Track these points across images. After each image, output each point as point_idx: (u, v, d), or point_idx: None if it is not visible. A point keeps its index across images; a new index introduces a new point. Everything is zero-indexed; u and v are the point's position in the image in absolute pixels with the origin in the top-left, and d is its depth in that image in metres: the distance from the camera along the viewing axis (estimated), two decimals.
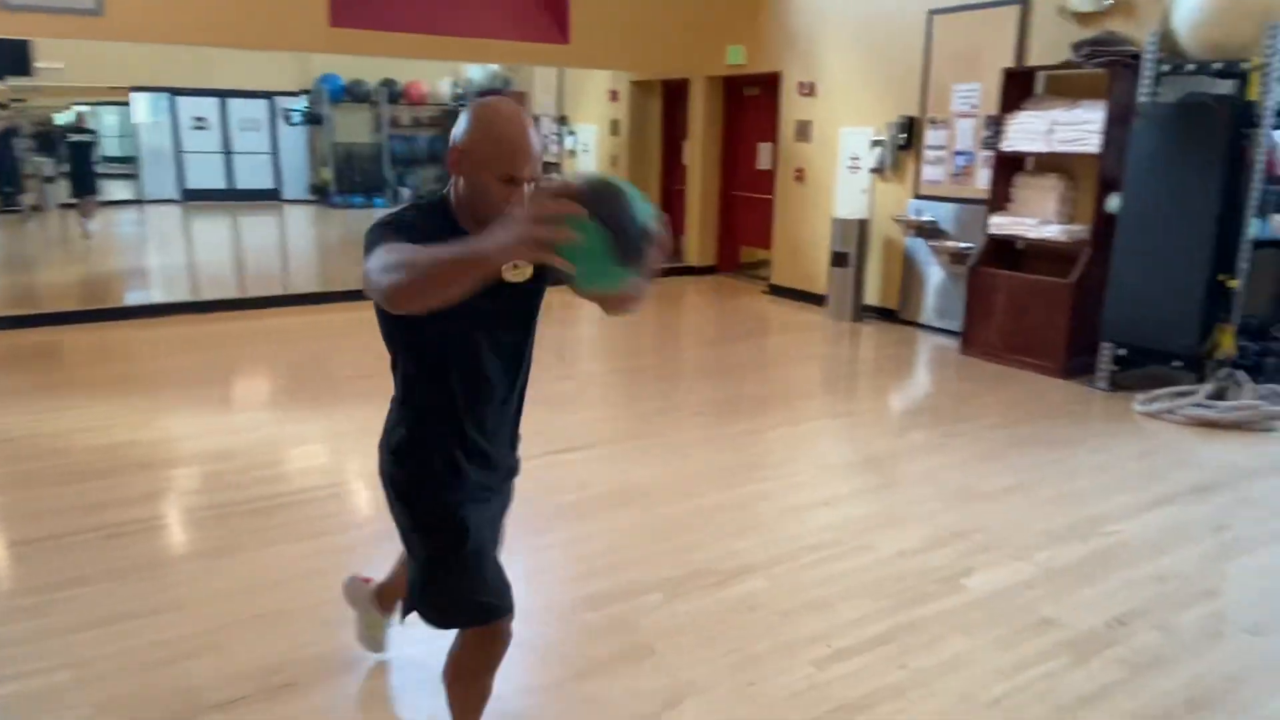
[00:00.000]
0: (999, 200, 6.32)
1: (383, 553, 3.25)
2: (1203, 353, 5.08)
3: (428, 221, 1.65)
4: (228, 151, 16.58)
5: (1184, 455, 4.49)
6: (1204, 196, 4.94)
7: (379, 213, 11.12)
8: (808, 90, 8.06)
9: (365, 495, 3.80)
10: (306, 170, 17.25)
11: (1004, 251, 6.39)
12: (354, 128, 17.22)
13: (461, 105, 14.40)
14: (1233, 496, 3.97)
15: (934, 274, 7.16)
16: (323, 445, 4.42)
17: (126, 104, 15.95)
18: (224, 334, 6.85)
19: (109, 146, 16.66)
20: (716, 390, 5.51)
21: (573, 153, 11.45)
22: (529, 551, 3.31)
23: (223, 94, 16.17)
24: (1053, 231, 5.93)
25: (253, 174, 16.84)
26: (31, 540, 3.33)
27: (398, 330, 1.75)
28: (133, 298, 8.25)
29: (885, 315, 7.57)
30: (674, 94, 9.95)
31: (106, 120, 16.76)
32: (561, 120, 11.62)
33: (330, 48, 7.42)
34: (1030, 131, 6.01)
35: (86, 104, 14.76)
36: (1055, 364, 5.84)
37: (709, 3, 8.78)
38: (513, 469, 2.00)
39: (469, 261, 1.35)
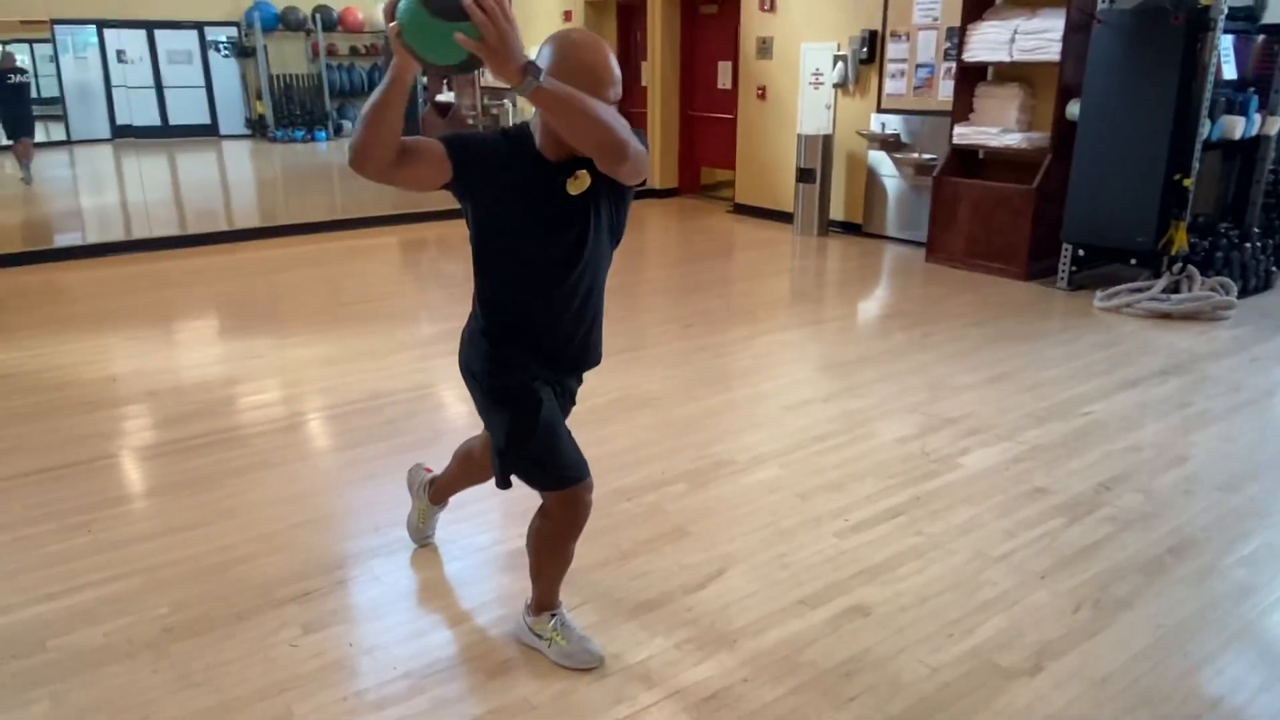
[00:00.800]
0: (962, 111, 6.51)
1: (400, 462, 3.40)
2: (1158, 249, 5.39)
3: (508, 145, 1.84)
4: (159, 86, 15.94)
5: (1144, 344, 4.81)
6: (1160, 100, 5.19)
7: (321, 147, 11.16)
8: (768, 6, 8.09)
9: (368, 415, 3.91)
10: (242, 104, 16.70)
11: (967, 161, 6.61)
12: (289, 58, 16.68)
13: None
14: (1192, 377, 4.30)
15: (897, 186, 7.36)
16: (315, 370, 4.49)
17: (46, 39, 15.18)
18: (186, 270, 6.78)
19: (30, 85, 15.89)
20: (699, 304, 5.68)
21: None
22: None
23: (150, 25, 15.49)
24: (1014, 139, 6.15)
25: (187, 109, 16.26)
26: (61, 466, 3.39)
27: (471, 229, 1.91)
28: (82, 237, 8.04)
29: (850, 229, 7.79)
30: (630, 13, 9.88)
31: (23, 58, 15.95)
32: None
33: None
34: (992, 41, 6.18)
35: (1, 41, 14.02)
36: (1019, 267, 6.13)
37: None
38: (580, 366, 2.13)
39: (384, 88, 1.62)
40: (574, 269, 1.92)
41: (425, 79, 13.03)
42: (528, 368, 1.99)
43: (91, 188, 11.21)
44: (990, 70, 6.48)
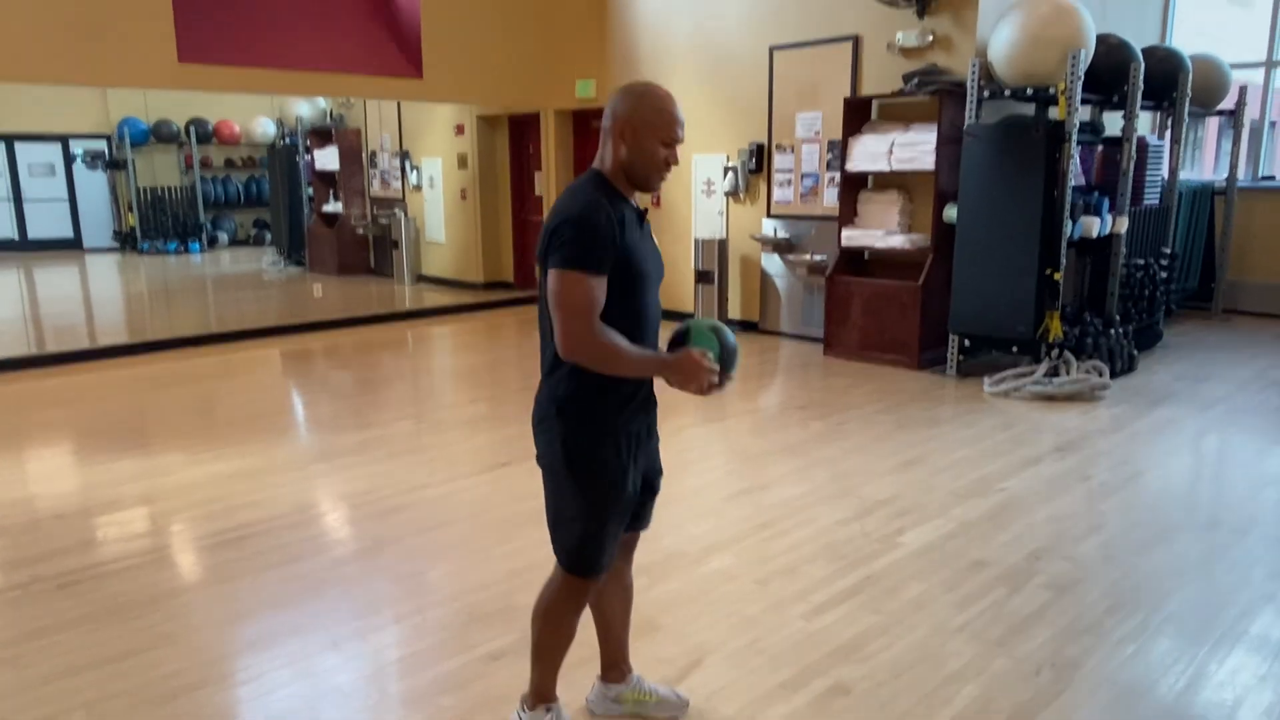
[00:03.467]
0: (847, 215, 6.98)
1: (337, 576, 3.30)
2: (1036, 338, 5.86)
3: (608, 204, 1.95)
4: (18, 199, 15.20)
5: (1036, 424, 5.18)
6: (1028, 203, 5.74)
7: (195, 259, 10.74)
8: None
9: (297, 529, 3.76)
10: (110, 217, 16.08)
11: (855, 261, 7.06)
12: (161, 170, 16.27)
13: (287, 143, 13.94)
14: (1086, 453, 4.65)
15: (790, 286, 7.76)
16: (232, 484, 4.30)
17: None
18: (45, 391, 6.40)
19: None
20: None
21: (418, 187, 11.42)
22: (505, 557, 3.43)
23: (10, 138, 14.86)
24: (898, 241, 6.63)
25: (48, 222, 15.51)
26: None
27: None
28: None
29: (748, 327, 8.11)
30: (521, 127, 10.20)
31: None
32: (404, 155, 11.57)
33: (179, 84, 7.14)
34: (872, 153, 6.72)
35: None
36: (910, 358, 6.52)
37: (557, 39, 9.12)
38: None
39: (643, 370, 1.98)
40: (657, 292, 2.14)
41: (310, 189, 12.94)
42: (632, 432, 2.08)
43: None
44: (870, 178, 7.01)
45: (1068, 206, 5.77)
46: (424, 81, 8.46)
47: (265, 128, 16.12)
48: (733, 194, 8.06)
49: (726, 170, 8.04)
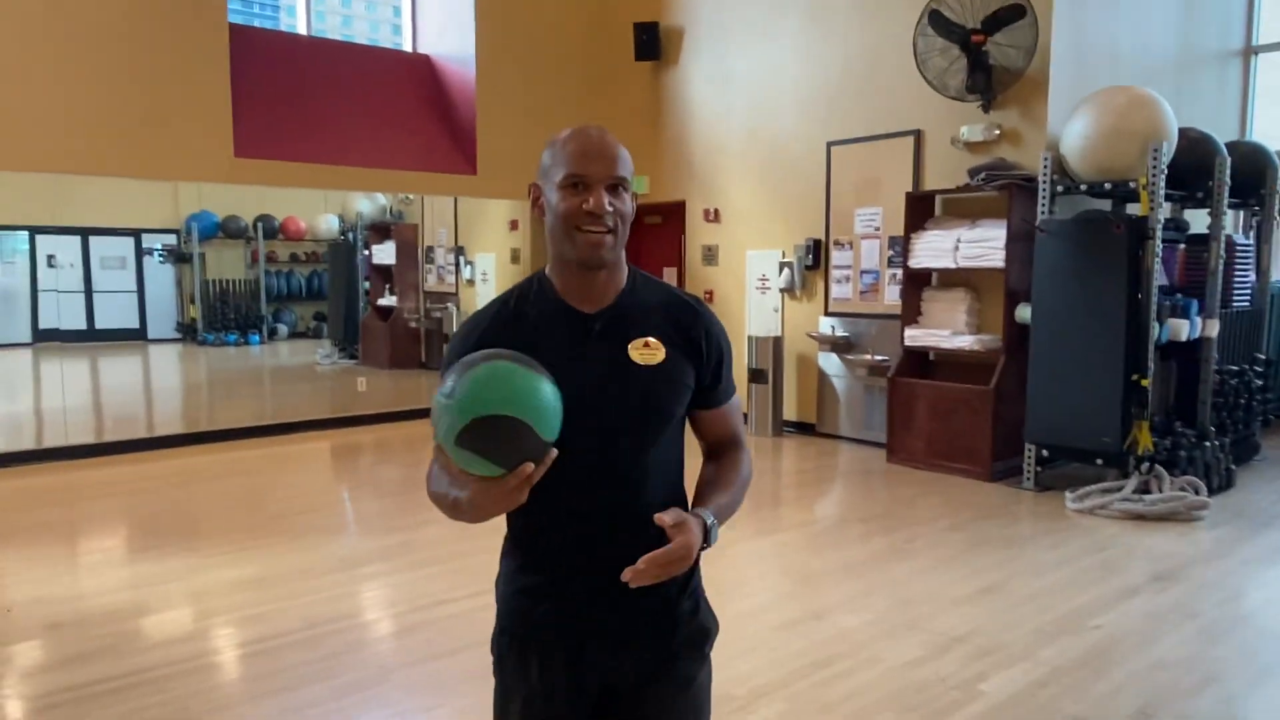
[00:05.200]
0: (910, 314, 6.61)
1: (347, 705, 2.95)
2: (1124, 449, 5.35)
3: (513, 302, 1.49)
4: (89, 290, 15.64)
5: (1129, 548, 4.64)
6: (1110, 304, 5.31)
7: (255, 350, 10.73)
8: (713, 217, 8.36)
9: (303, 648, 3.42)
10: (174, 308, 16.44)
11: (919, 362, 6.65)
12: (227, 264, 16.63)
13: (347, 238, 14.17)
14: (1189, 584, 4.09)
15: (849, 387, 7.36)
16: (240, 594, 3.99)
17: None
18: (99, 482, 6.24)
19: None
20: None
21: (471, 281, 11.39)
22: None
23: (85, 231, 15.38)
24: (966, 341, 6.22)
25: (115, 313, 15.87)
26: None
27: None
28: None
29: (804, 429, 7.69)
30: None
31: None
32: (459, 250, 11.60)
33: (235, 178, 7.20)
34: (936, 249, 6.38)
35: None
36: (982, 467, 6.02)
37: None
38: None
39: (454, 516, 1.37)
40: (601, 435, 1.74)
41: (367, 283, 13.05)
42: (546, 642, 1.61)
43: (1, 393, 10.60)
44: (935, 276, 6.66)
45: (1154, 308, 5.33)
46: (478, 178, 8.45)
47: (329, 223, 16.47)
48: (789, 290, 7.77)
49: (782, 266, 7.77)
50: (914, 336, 6.54)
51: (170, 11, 6.71)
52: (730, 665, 3.22)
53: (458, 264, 11.54)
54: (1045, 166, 5.72)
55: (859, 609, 3.77)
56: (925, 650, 3.37)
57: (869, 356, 7.06)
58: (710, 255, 8.49)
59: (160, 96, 6.68)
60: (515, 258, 10.47)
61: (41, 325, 15.17)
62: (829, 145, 7.35)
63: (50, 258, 15.23)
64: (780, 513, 5.56)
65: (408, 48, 9.15)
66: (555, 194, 1.41)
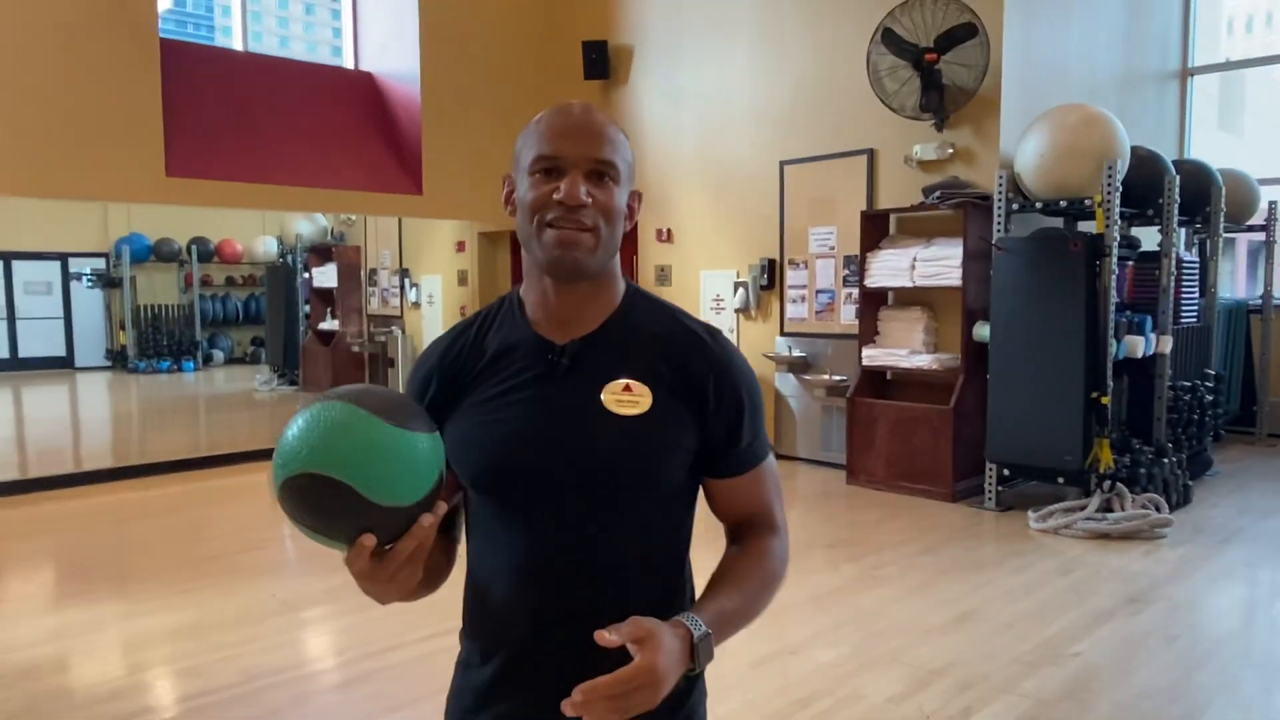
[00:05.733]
0: (868, 334, 6.55)
1: None
2: (1085, 467, 5.32)
3: (475, 328, 1.21)
4: (11, 317, 14.92)
5: (1096, 568, 4.58)
6: (1068, 321, 5.29)
7: (189, 377, 10.35)
8: (665, 237, 8.24)
9: (242, 705, 3.15)
10: (104, 334, 15.79)
11: (878, 382, 6.59)
12: (160, 288, 16.08)
13: (285, 261, 13.76)
14: (1163, 604, 4.04)
15: (806, 407, 7.27)
16: (172, 645, 3.70)
17: None
18: (21, 521, 5.84)
19: None
20: None
21: (417, 304, 11.10)
22: None
23: (7, 256, 14.71)
24: (924, 361, 6.17)
25: (40, 340, 15.21)
26: None
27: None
28: None
29: None
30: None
31: None
32: (404, 273, 11.31)
33: (166, 198, 6.86)
34: (892, 268, 6.33)
35: None
36: (944, 488, 5.95)
37: None
38: None
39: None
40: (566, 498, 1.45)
41: (308, 306, 12.66)
42: None
43: None
44: (891, 295, 6.61)
45: (1110, 325, 5.33)
46: (423, 198, 8.21)
47: (267, 246, 16.01)
48: (744, 311, 7.67)
49: (737, 286, 7.67)
50: (872, 356, 6.47)
51: (99, 24, 6.38)
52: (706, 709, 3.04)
53: (403, 286, 11.25)
54: (1000, 185, 5.71)
55: (834, 642, 3.63)
56: (906, 684, 3.23)
57: (826, 376, 6.98)
58: (664, 275, 8.36)
59: (87, 113, 6.34)
60: (463, 279, 10.22)
61: None
62: (782, 164, 7.29)
63: None
64: None
65: (350, 65, 8.90)
66: (525, 183, 1.12)
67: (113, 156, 6.46)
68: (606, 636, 0.95)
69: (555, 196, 1.08)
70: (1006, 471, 5.72)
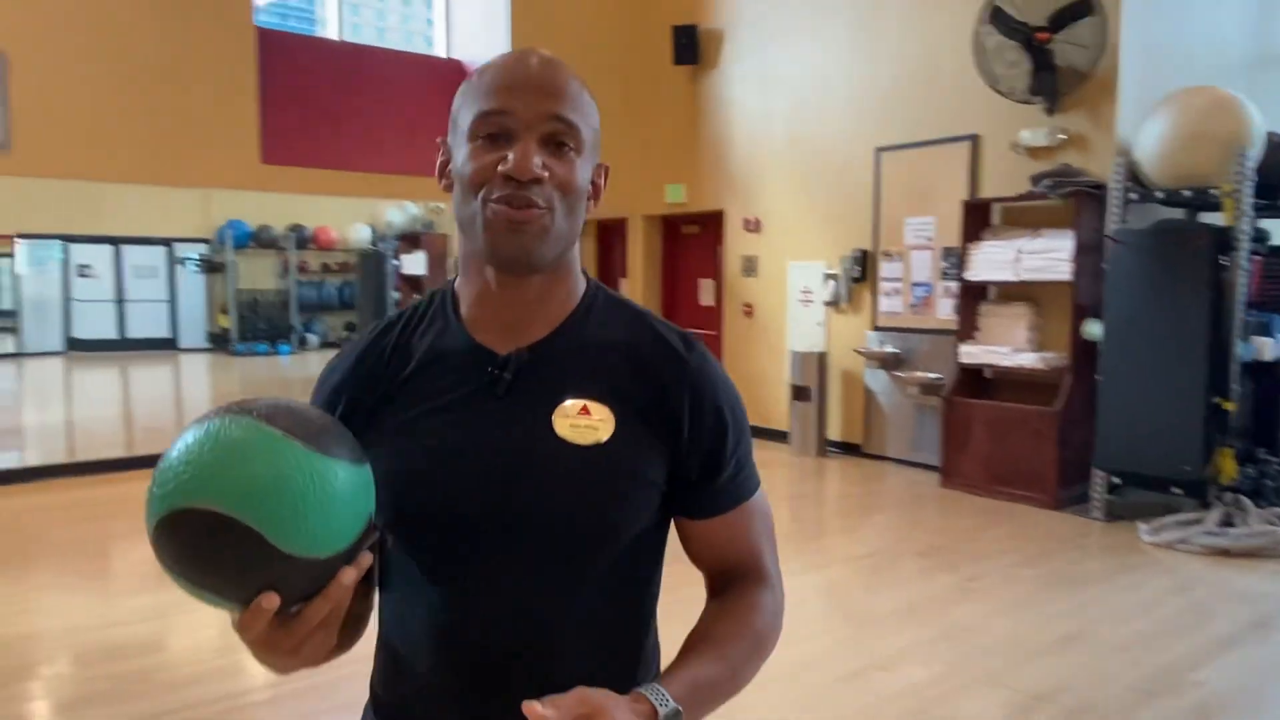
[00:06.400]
0: (967, 330, 6.24)
1: None
2: (1204, 477, 4.94)
3: (396, 338, 0.98)
4: (120, 300, 15.63)
5: (1218, 588, 4.23)
6: (1190, 320, 4.92)
7: (284, 360, 10.60)
8: (753, 226, 8.03)
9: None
10: (205, 317, 16.41)
11: (976, 381, 6.27)
12: (259, 274, 16.59)
13: (381, 248, 14.04)
14: None
15: (898, 405, 6.98)
16: None
17: (6, 254, 14.92)
18: (128, 498, 6.02)
19: None
20: None
21: None
22: None
23: (117, 240, 15.38)
24: (1028, 359, 5.84)
25: (147, 322, 15.88)
26: None
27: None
28: (20, 459, 7.28)
29: (849, 450, 7.32)
30: (609, 232, 9.84)
31: None
32: None
33: (261, 185, 6.99)
34: (995, 261, 6.01)
35: None
36: (1046, 495, 5.62)
37: (647, 144, 8.81)
38: None
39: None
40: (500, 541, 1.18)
41: (397, 293, 12.87)
42: None
43: (31, 404, 10.51)
44: (993, 289, 6.28)
45: (1237, 325, 4.93)
46: None
47: (361, 233, 16.35)
48: (834, 304, 7.42)
49: (827, 278, 7.42)
50: (970, 353, 6.16)
51: (196, 16, 6.52)
52: None
53: None
54: (1118, 174, 5.34)
55: (928, 659, 3.42)
56: (1006, 709, 3.01)
57: (920, 374, 6.68)
58: (750, 266, 8.16)
59: (187, 101, 6.49)
60: None
61: (74, 334, 15.21)
62: (878, 151, 7.00)
63: (83, 267, 15.28)
64: (826, 544, 5.21)
65: (441, 53, 8.94)
66: (464, 150, 0.89)
67: (211, 144, 6.61)
68: (537, 709, 0.74)
69: (502, 168, 0.86)
70: (1116, 480, 5.37)
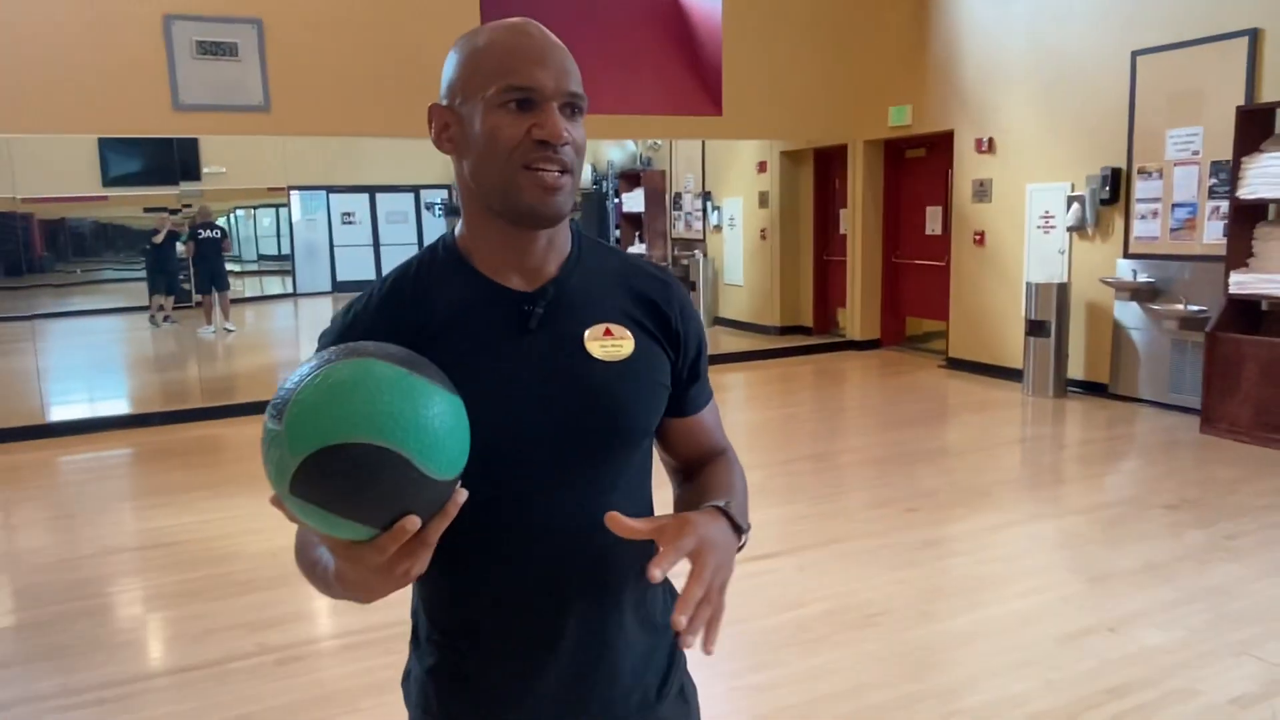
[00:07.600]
0: (1238, 256, 5.48)
1: None
2: None
3: (412, 278, 1.04)
4: (376, 244, 17.13)
5: None
6: None
7: None
8: (986, 147, 7.43)
9: None
10: None
11: (1248, 314, 5.51)
12: None
13: (598, 187, 14.41)
14: None
15: (1152, 342, 6.29)
16: None
17: (284, 204, 16.73)
18: None
19: (268, 246, 17.47)
20: (918, 481, 4.83)
21: (718, 227, 11.10)
22: (752, 692, 2.72)
23: (372, 189, 16.79)
24: None
25: (399, 263, 17.32)
26: (196, 667, 2.98)
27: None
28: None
29: (1093, 390, 6.71)
30: (827, 161, 9.48)
31: (264, 221, 17.63)
32: (706, 195, 11.33)
33: None
34: (1276, 176, 5.20)
35: (249, 206, 15.57)
36: None
37: (868, 64, 8.34)
38: None
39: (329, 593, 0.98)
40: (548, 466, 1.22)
41: (618, 231, 13.16)
42: None
43: (307, 339, 11.79)
44: (1272, 209, 5.45)
45: None
46: (723, 119, 8.07)
47: (586, 173, 16.83)
48: (1078, 229, 6.74)
49: (1070, 201, 6.74)
50: (1242, 283, 5.41)
51: None
52: (1000, 684, 2.72)
53: (705, 210, 11.27)
54: None
55: (1167, 623, 3.10)
56: (1259, 684, 2.67)
57: (1180, 306, 5.96)
58: (982, 191, 7.58)
59: (415, 53, 6.88)
60: (763, 201, 10.02)
61: (339, 277, 16.89)
62: (1134, 55, 6.21)
63: (346, 215, 16.86)
64: (1062, 491, 4.83)
65: None
66: (485, 117, 0.96)
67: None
68: (621, 520, 0.90)
69: (537, 135, 0.95)
70: None
